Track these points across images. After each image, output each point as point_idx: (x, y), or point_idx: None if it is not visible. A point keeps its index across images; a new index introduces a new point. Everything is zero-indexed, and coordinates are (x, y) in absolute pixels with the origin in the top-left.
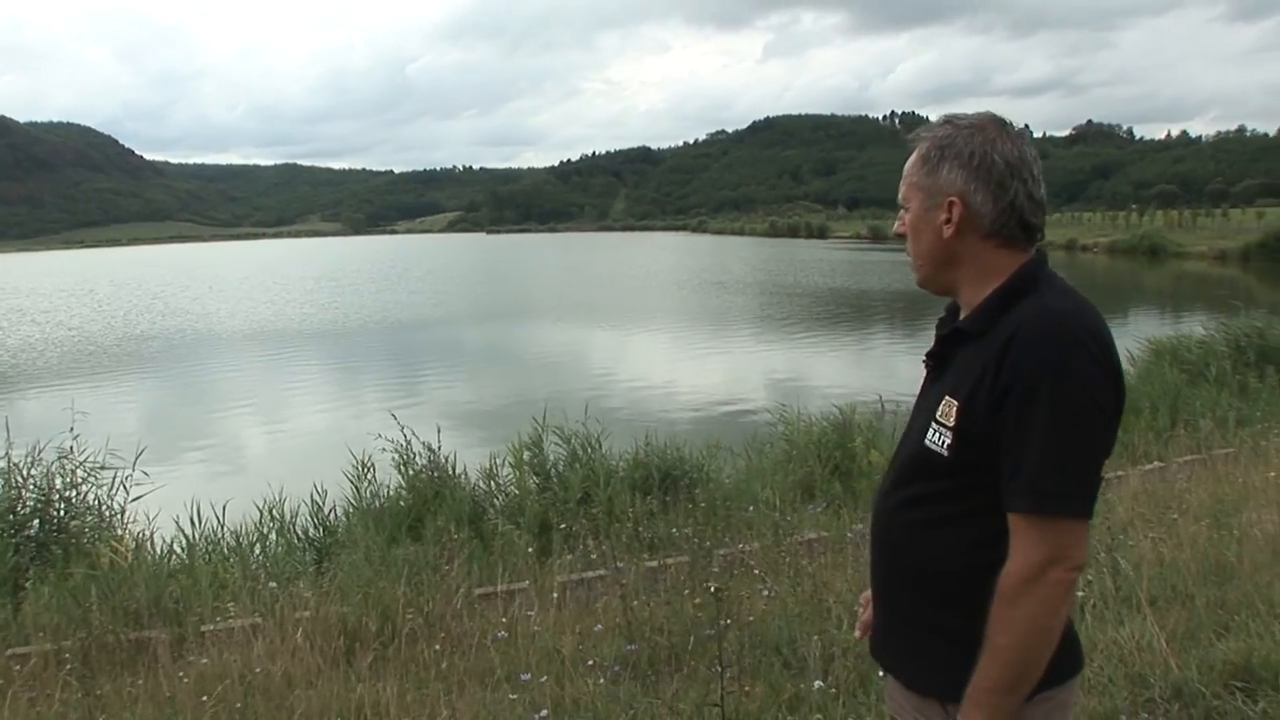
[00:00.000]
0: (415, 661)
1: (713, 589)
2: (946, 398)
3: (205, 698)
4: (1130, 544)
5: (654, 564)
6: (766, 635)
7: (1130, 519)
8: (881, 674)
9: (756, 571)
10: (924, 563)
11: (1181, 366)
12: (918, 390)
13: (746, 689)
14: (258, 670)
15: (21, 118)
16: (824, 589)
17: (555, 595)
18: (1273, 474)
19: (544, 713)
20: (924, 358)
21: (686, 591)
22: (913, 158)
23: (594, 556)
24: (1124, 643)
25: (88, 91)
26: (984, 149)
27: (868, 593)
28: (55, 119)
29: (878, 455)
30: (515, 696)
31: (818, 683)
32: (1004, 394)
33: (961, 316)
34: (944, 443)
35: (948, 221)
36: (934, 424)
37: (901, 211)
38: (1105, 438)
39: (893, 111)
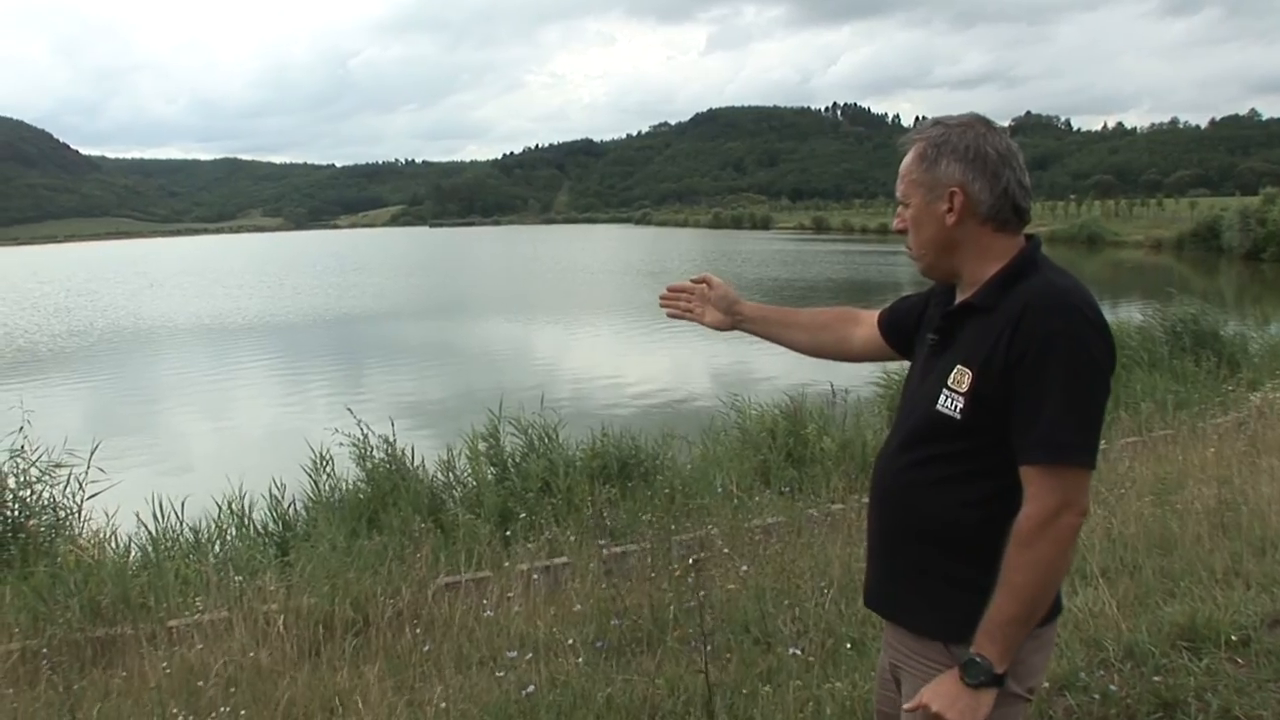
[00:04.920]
0: (392, 648)
1: (692, 560)
2: (959, 366)
3: (202, 682)
4: None
5: (617, 550)
6: (736, 613)
7: None
8: (850, 645)
9: (726, 551)
10: (933, 517)
11: (1122, 352)
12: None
13: (723, 662)
14: (238, 661)
15: None
16: (790, 567)
17: (522, 582)
18: (1210, 452)
19: (530, 689)
20: (929, 334)
21: (653, 575)
22: (909, 158)
23: (560, 544)
24: (1079, 610)
25: (21, 85)
26: (977, 143)
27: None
28: None
29: (830, 442)
30: (502, 674)
31: (793, 650)
32: (1019, 360)
33: (961, 296)
34: (957, 407)
35: (949, 210)
36: (946, 390)
37: (900, 209)
38: (1106, 396)
39: (835, 103)
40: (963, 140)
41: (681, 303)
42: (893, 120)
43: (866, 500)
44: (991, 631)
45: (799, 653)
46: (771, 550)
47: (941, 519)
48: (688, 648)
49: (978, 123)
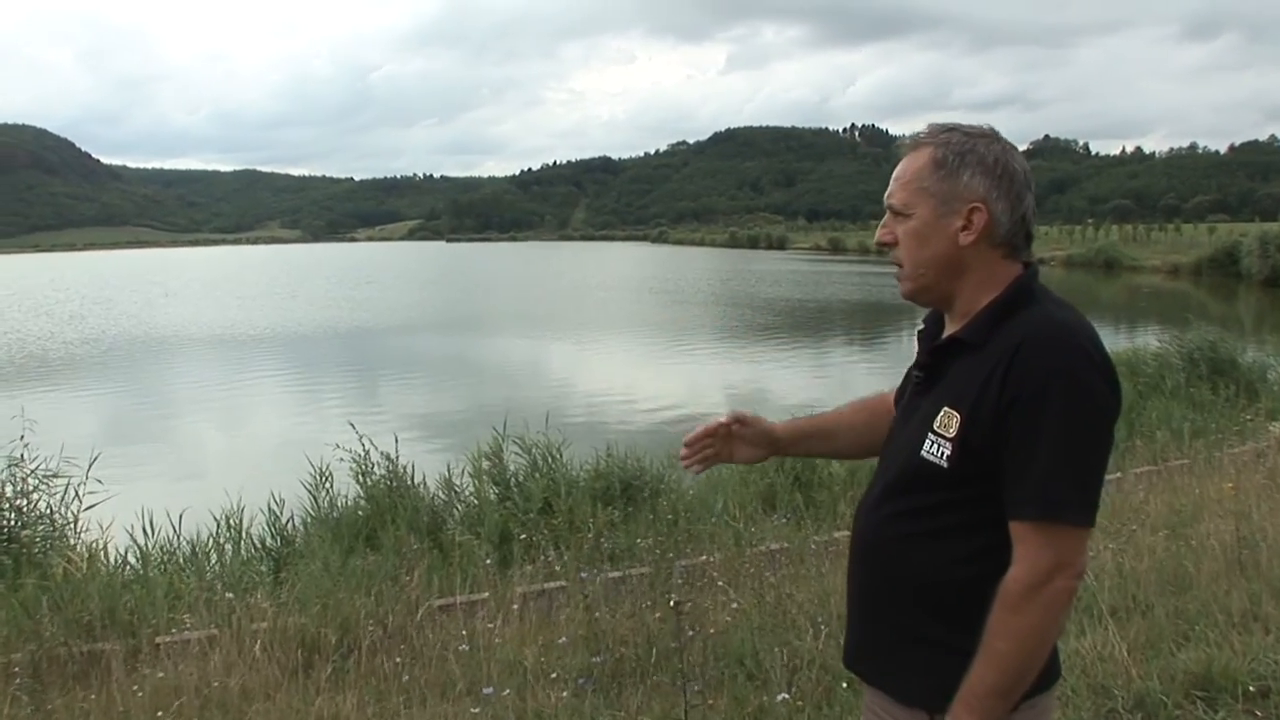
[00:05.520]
0: (375, 674)
1: (672, 602)
2: (946, 409)
3: (160, 713)
4: (1090, 554)
5: (616, 574)
6: (730, 647)
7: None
8: (846, 685)
9: (720, 584)
10: (918, 575)
11: (1137, 379)
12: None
13: (710, 702)
14: (214, 684)
15: None
16: (787, 600)
17: (516, 606)
18: (1228, 485)
19: None
20: (914, 370)
21: (648, 603)
22: (919, 162)
23: (556, 568)
24: (1086, 653)
25: (46, 93)
26: (1004, 157)
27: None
28: (10, 120)
29: (838, 466)
30: (477, 710)
31: (782, 695)
32: (1011, 404)
33: (951, 327)
34: (943, 454)
35: (965, 229)
36: (931, 435)
37: (888, 218)
38: (1108, 446)
39: (853, 124)
40: (990, 152)
41: (707, 452)
42: None
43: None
44: (970, 702)
45: (787, 698)
46: (770, 580)
47: (926, 577)
48: (675, 684)
49: (998, 136)
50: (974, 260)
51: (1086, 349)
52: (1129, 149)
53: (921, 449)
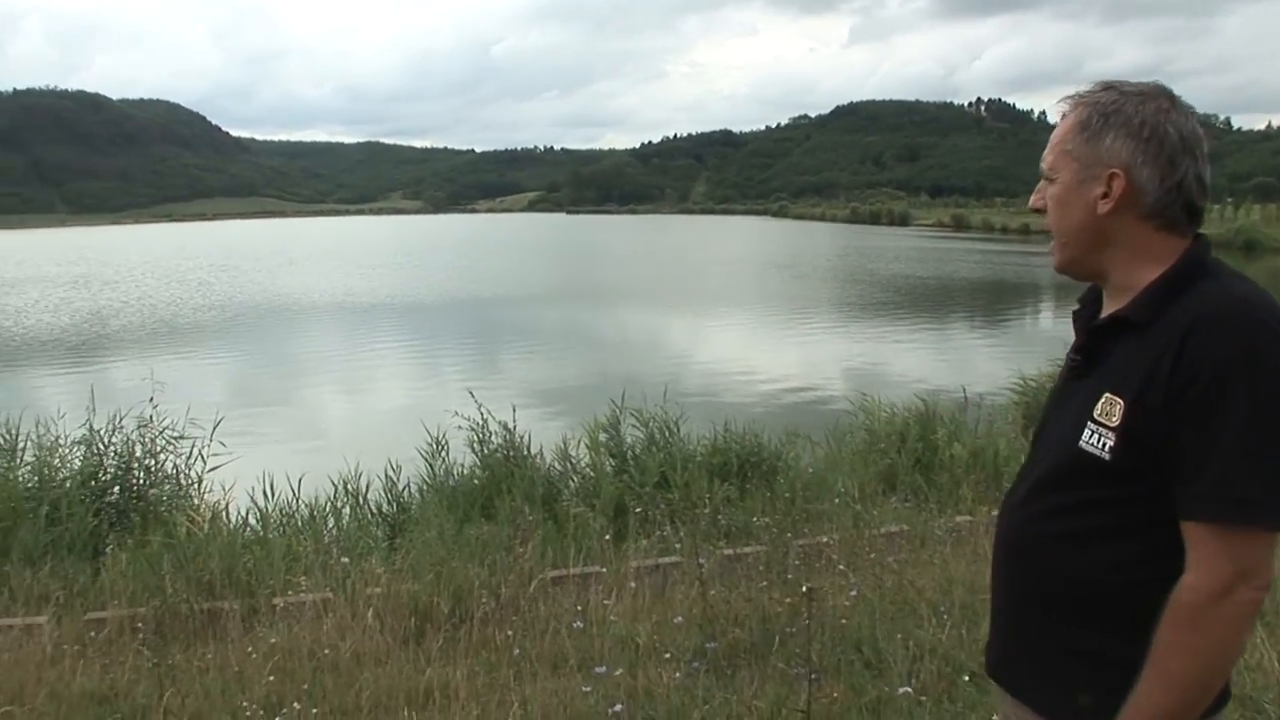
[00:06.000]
0: (486, 645)
1: (805, 589)
2: (1108, 395)
3: (274, 677)
4: None
5: (730, 552)
6: (847, 632)
7: None
8: (969, 679)
9: (841, 568)
10: (1070, 579)
11: None
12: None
13: (827, 689)
14: (327, 651)
15: (115, 95)
16: (908, 586)
17: (632, 582)
18: None
19: (618, 706)
20: (1070, 353)
21: (764, 584)
22: (1066, 123)
23: (675, 545)
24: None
25: (179, 70)
26: (1156, 119)
27: None
28: (147, 96)
29: (960, 448)
30: (589, 689)
31: (904, 689)
32: (1184, 388)
33: (1110, 306)
34: (1105, 445)
35: (1104, 196)
36: (1091, 424)
37: (1042, 183)
38: None
39: (979, 99)
40: (1138, 113)
41: None
42: (1038, 117)
43: (985, 543)
44: None
45: (909, 691)
46: (891, 563)
47: (1080, 581)
48: (792, 669)
49: (1160, 95)
50: (1118, 232)
51: (1270, 324)
52: (1275, 124)
53: (1080, 439)
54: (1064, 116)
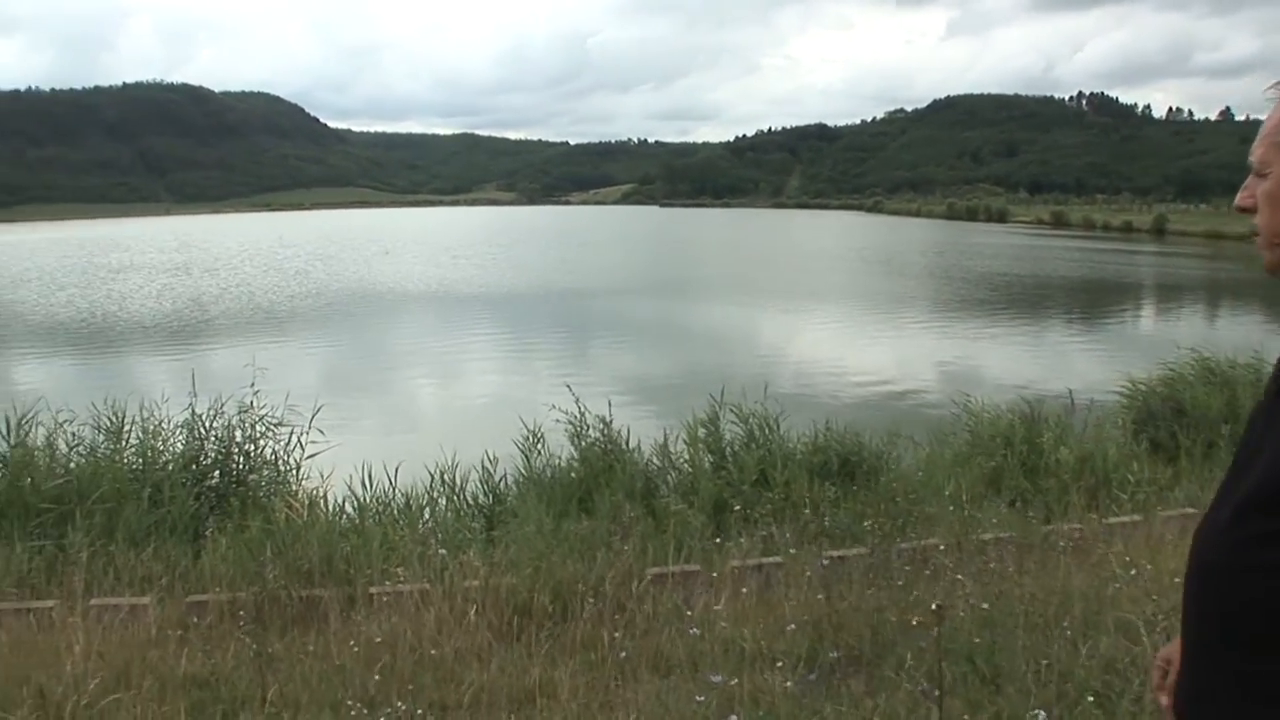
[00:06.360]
0: (590, 644)
1: (935, 606)
2: None
3: (376, 675)
4: None
5: (835, 555)
6: (958, 642)
7: None
8: (1092, 699)
9: (959, 577)
10: (1277, 615)
11: None
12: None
13: (945, 705)
14: (431, 651)
15: (217, 88)
16: (1028, 598)
17: (734, 582)
18: None
19: (733, 718)
20: None
21: (871, 589)
22: (1278, 112)
23: (775, 543)
24: None
25: (279, 63)
26: None
27: (1166, 650)
28: (248, 88)
29: (1067, 453)
30: (702, 699)
31: (1039, 711)
32: None
33: None
34: None
35: None
36: None
37: (1250, 179)
38: None
39: (1080, 92)
40: None
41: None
42: (1142, 111)
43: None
44: None
45: (1044, 715)
46: (1001, 570)
47: None
48: (911, 684)
49: None
50: None
51: None
52: None
53: None
54: (1277, 105)
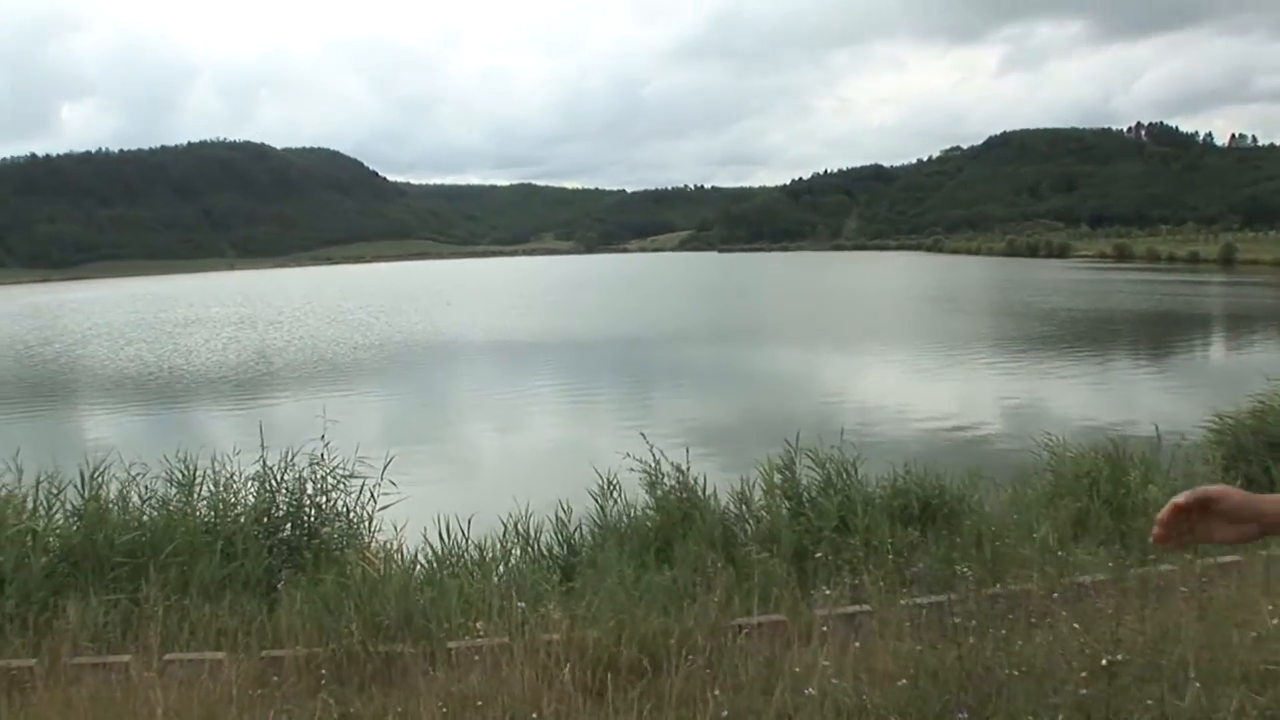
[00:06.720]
0: (686, 702)
1: (1105, 661)
2: None
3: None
4: None
5: (924, 601)
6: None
7: None
8: None
9: (1076, 625)
10: None
11: None
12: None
13: None
14: (523, 708)
15: (279, 144)
16: (1129, 642)
17: (822, 632)
18: None
19: None
20: None
21: (973, 640)
22: None
23: (868, 593)
24: None
25: (338, 118)
26: None
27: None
28: (308, 144)
29: (1156, 490)
30: None
31: None
32: None
33: None
34: None
35: None
36: None
37: None
38: None
39: (1139, 123)
40: None
41: (1182, 531)
42: (1204, 139)
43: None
44: None
45: None
46: (1093, 611)
47: None
48: None
49: None
50: None
51: None
52: None
53: None
54: None
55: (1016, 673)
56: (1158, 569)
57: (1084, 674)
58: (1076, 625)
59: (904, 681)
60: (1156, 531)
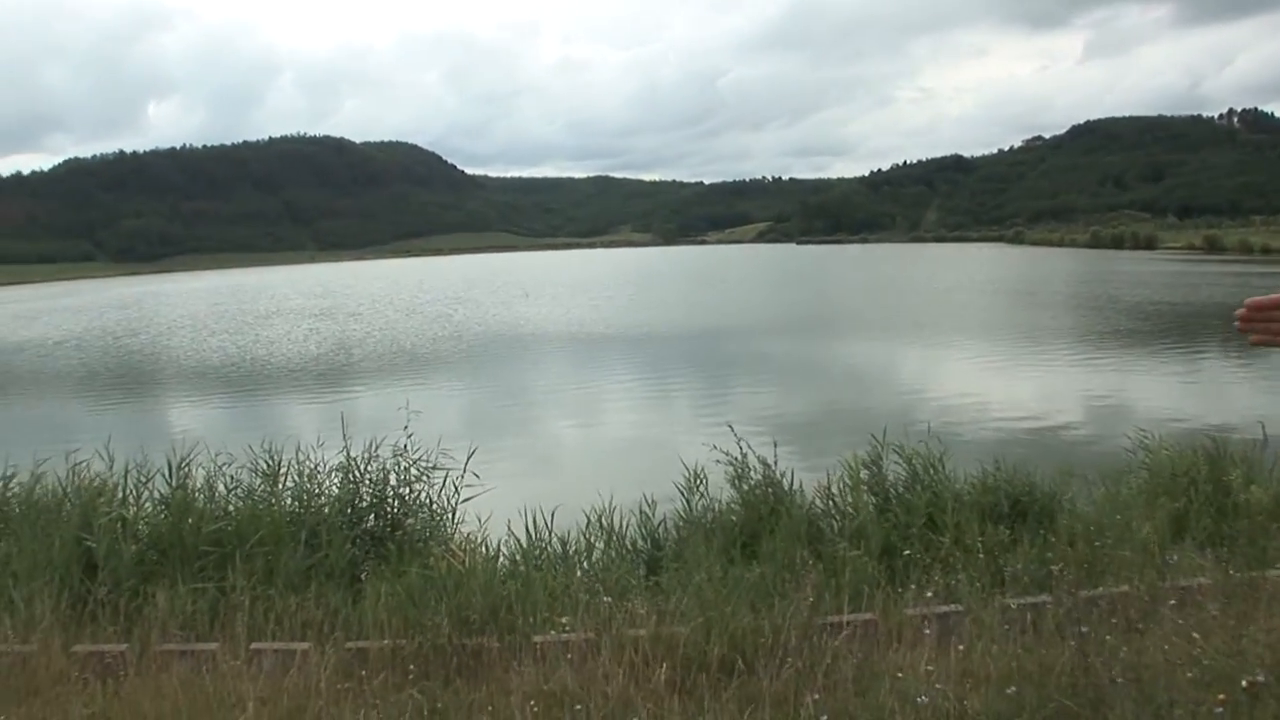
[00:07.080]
0: (779, 701)
1: (1246, 683)
2: None
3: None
4: None
5: (1020, 602)
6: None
7: None
8: None
9: (1195, 635)
10: None
11: None
12: None
13: None
14: (614, 705)
15: (358, 139)
16: (1236, 648)
17: (913, 631)
18: None
19: None
20: None
21: (1074, 643)
22: None
23: (960, 592)
24: None
25: (417, 112)
26: None
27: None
28: (387, 138)
29: (1259, 491)
30: None
31: None
32: None
33: None
34: None
35: None
36: None
37: None
38: None
39: (1230, 109)
40: None
41: (1274, 325)
42: None
43: None
44: None
45: None
46: (1207, 619)
47: None
48: None
49: None
50: None
51: None
52: None
53: None
54: None
55: (1123, 680)
56: (1264, 574)
57: (1221, 695)
58: (1195, 635)
59: (1013, 689)
60: (1240, 314)
